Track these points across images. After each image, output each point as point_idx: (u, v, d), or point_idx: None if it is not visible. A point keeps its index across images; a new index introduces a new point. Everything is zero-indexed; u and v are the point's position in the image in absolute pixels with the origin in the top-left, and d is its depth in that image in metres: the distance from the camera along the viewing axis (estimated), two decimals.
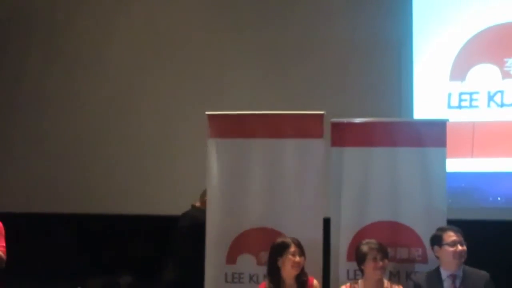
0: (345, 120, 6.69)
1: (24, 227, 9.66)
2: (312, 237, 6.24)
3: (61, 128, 10.26)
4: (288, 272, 5.83)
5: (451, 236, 5.73)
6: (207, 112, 6.86)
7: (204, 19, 9.85)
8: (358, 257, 5.91)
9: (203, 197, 7.27)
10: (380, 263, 5.77)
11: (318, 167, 6.62)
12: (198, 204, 7.59)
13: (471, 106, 8.78)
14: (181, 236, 7.43)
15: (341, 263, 6.56)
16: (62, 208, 9.91)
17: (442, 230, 5.88)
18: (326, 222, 6.63)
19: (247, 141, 6.75)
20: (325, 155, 6.63)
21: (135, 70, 10.02)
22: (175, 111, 9.76)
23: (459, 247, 5.69)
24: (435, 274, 5.83)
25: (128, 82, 10.05)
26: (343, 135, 6.63)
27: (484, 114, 8.76)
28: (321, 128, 6.63)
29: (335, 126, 6.66)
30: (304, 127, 6.67)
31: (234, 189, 6.76)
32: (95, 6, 10.27)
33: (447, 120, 6.70)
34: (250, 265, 6.71)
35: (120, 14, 10.14)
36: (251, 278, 6.71)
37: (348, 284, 5.99)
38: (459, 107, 8.75)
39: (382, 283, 5.87)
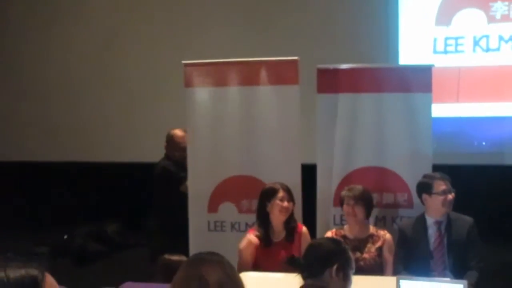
0: (331, 66, 6.67)
1: (10, 176, 9.68)
2: (291, 182, 6.14)
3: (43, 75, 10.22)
4: (277, 217, 5.83)
5: (441, 185, 5.71)
6: (183, 61, 6.85)
7: None
8: (340, 202, 5.95)
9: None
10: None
11: (294, 113, 6.63)
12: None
13: (456, 51, 8.76)
14: (154, 184, 7.39)
15: (328, 208, 6.61)
16: (48, 157, 9.94)
17: (431, 178, 5.83)
18: (313, 168, 6.64)
19: (223, 89, 6.76)
20: (299, 102, 6.62)
21: (116, 19, 9.99)
22: (156, 59, 9.75)
23: (449, 196, 5.70)
24: (421, 221, 5.84)
25: (111, 31, 10.05)
26: (329, 81, 6.61)
27: (469, 59, 8.74)
28: (296, 74, 6.61)
29: (321, 73, 6.63)
30: (279, 74, 6.66)
31: (212, 138, 6.79)
32: None
33: (433, 65, 6.68)
34: (232, 213, 6.78)
35: None
36: (233, 226, 6.79)
37: (334, 230, 6.00)
38: (445, 52, 8.73)
39: (367, 228, 5.89)
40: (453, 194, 5.69)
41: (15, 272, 2.23)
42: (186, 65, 6.82)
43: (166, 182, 7.12)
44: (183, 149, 6.87)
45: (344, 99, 6.58)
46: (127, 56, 9.84)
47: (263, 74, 6.66)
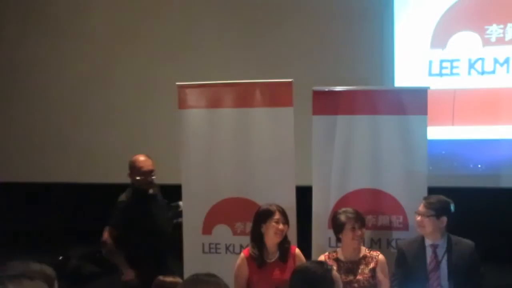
0: (326, 88, 6.67)
1: (4, 197, 9.66)
2: (285, 204, 6.14)
3: (36, 99, 10.22)
4: (271, 239, 5.83)
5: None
6: (177, 83, 6.86)
7: None
8: (335, 226, 5.91)
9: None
10: (358, 232, 5.79)
11: (288, 135, 6.62)
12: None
13: (452, 73, 8.77)
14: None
15: (323, 230, 6.60)
16: (42, 177, 9.91)
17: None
18: (308, 190, 6.63)
19: (217, 111, 6.77)
20: (293, 123, 6.62)
21: (111, 41, 9.98)
22: (150, 81, 9.75)
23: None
24: (419, 242, 5.84)
25: (106, 52, 10.05)
26: (325, 103, 6.61)
27: (465, 81, 8.73)
28: (290, 96, 6.62)
29: (317, 95, 6.63)
30: (274, 96, 6.67)
31: (206, 159, 6.79)
32: None
33: (428, 87, 6.70)
34: (226, 235, 6.78)
35: None
36: (227, 248, 6.79)
37: (327, 254, 5.98)
38: (440, 74, 8.75)
39: (359, 250, 5.87)
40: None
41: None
42: (180, 86, 6.84)
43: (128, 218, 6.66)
44: (145, 173, 6.66)
45: (339, 121, 6.58)
46: (121, 77, 9.82)
47: (258, 96, 6.67)
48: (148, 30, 9.71)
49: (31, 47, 10.26)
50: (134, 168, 6.68)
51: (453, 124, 8.74)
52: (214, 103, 6.76)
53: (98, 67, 9.95)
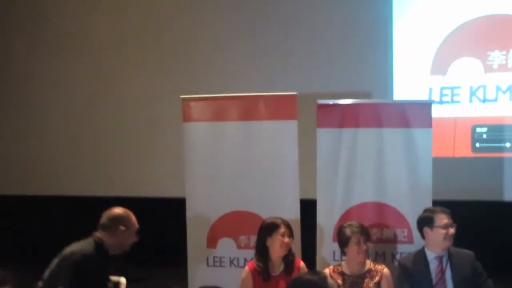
0: (331, 101, 6.69)
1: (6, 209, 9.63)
2: (290, 217, 6.17)
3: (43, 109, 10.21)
4: (276, 252, 5.80)
5: (443, 218, 5.66)
6: (181, 96, 6.89)
7: (185, 3, 9.81)
8: (341, 240, 5.86)
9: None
10: (364, 246, 5.74)
11: (292, 148, 6.63)
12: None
13: (452, 101, 8.71)
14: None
15: (327, 244, 6.58)
16: (43, 191, 9.88)
17: (433, 211, 5.79)
18: (313, 203, 6.62)
19: (221, 124, 6.79)
20: (296, 137, 6.64)
21: (116, 53, 10.02)
22: (154, 94, 9.74)
23: (451, 230, 5.65)
24: (421, 255, 5.77)
25: (109, 65, 10.06)
26: (330, 116, 6.62)
27: (466, 109, 8.69)
28: (294, 110, 6.64)
29: (322, 108, 6.65)
30: (278, 109, 6.69)
31: (210, 172, 6.80)
32: None
33: (433, 101, 6.72)
34: (230, 248, 6.76)
35: (102, 4, 10.12)
36: (231, 261, 6.77)
37: (332, 267, 5.92)
38: (441, 102, 8.68)
39: (364, 263, 5.83)
40: (454, 227, 5.65)
41: None
42: (185, 99, 6.87)
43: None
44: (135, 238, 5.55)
45: (344, 134, 6.59)
46: (126, 90, 9.83)
47: (262, 108, 6.71)
48: (153, 42, 9.74)
49: (35, 61, 10.28)
50: (131, 226, 5.46)
51: (454, 155, 8.68)
52: (218, 116, 6.78)
53: (102, 80, 9.97)
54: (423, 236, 5.78)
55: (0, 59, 10.50)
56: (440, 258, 5.69)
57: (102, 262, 5.35)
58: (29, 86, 10.34)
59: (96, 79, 10.00)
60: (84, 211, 9.28)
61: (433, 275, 5.66)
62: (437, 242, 5.67)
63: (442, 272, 5.66)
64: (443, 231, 5.62)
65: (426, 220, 5.74)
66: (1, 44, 10.47)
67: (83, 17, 10.10)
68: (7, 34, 10.44)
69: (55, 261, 5.28)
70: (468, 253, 5.74)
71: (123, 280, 5.92)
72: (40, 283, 5.27)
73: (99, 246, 5.31)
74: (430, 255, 5.72)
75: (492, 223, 8.25)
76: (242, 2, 9.45)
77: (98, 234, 5.38)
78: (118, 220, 5.41)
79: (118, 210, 5.49)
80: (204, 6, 9.57)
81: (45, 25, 10.23)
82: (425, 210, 5.89)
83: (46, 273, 5.27)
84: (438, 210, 5.75)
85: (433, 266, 5.70)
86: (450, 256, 5.69)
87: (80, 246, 5.26)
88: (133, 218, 5.48)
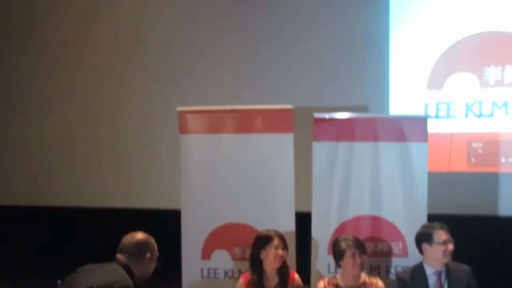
0: (327, 115, 6.70)
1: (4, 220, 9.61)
2: (285, 230, 6.22)
3: (37, 125, 10.24)
4: (270, 264, 5.85)
5: (442, 235, 5.70)
6: (178, 108, 6.92)
7: (180, 14, 9.80)
8: (336, 253, 5.90)
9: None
10: (359, 260, 5.77)
11: (288, 161, 6.66)
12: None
13: (448, 116, 8.70)
14: None
15: (322, 257, 6.59)
16: (40, 201, 9.87)
17: (431, 228, 5.82)
18: (308, 216, 6.63)
19: (217, 137, 6.80)
20: (293, 150, 6.66)
21: (112, 65, 9.99)
22: (150, 105, 9.71)
23: (449, 246, 5.68)
24: (419, 270, 5.80)
25: (105, 76, 10.01)
26: (326, 129, 6.65)
27: (461, 124, 8.69)
28: (290, 123, 6.68)
29: (318, 121, 6.68)
30: (274, 122, 6.71)
31: (206, 185, 6.80)
32: (74, 5, 10.24)
33: (428, 116, 6.75)
34: (225, 260, 6.77)
35: (99, 14, 10.11)
36: (226, 273, 6.78)
37: (327, 279, 5.98)
38: (436, 116, 8.68)
39: (359, 276, 5.84)
40: (452, 243, 5.67)
41: None
42: (181, 112, 6.88)
43: None
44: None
45: (340, 147, 6.62)
46: (122, 101, 9.80)
47: (258, 121, 6.73)
48: (149, 54, 9.70)
49: (32, 71, 10.26)
50: (155, 253, 5.29)
51: (449, 170, 8.68)
52: (214, 128, 6.80)
53: (99, 91, 9.93)
54: (421, 251, 5.82)
55: None
56: (438, 274, 5.73)
57: None
58: (26, 93, 10.31)
59: (93, 89, 9.98)
60: (79, 222, 9.33)
61: None
62: (436, 258, 5.71)
63: (441, 287, 5.67)
64: (442, 247, 5.65)
65: (425, 236, 5.77)
66: None
67: (80, 28, 10.07)
68: (3, 40, 10.44)
69: (81, 286, 4.85)
70: (466, 268, 5.78)
71: None
72: None
73: (131, 274, 5.02)
74: (429, 270, 5.75)
75: (487, 237, 8.25)
76: (240, 16, 9.42)
77: (123, 259, 5.09)
78: (144, 247, 5.17)
79: (141, 236, 5.22)
80: (202, 19, 9.54)
81: (44, 34, 10.20)
82: (424, 226, 5.92)
83: None
84: (437, 227, 5.77)
85: (432, 281, 5.73)
86: (448, 271, 5.73)
87: (124, 280, 4.92)
88: (155, 243, 5.26)
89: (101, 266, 5.06)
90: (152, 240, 5.23)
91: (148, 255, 5.11)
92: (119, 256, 5.10)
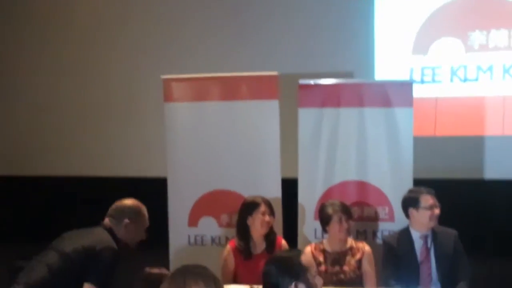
0: (312, 81, 6.69)
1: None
2: (271, 196, 6.18)
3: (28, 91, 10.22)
4: (257, 230, 5.83)
5: (428, 199, 5.68)
6: (162, 76, 6.89)
7: None
8: (322, 218, 5.87)
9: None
10: (345, 225, 5.76)
11: (274, 128, 6.65)
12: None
13: (433, 80, 8.72)
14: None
15: (309, 222, 6.62)
16: (27, 171, 9.87)
17: (418, 192, 5.79)
18: (294, 182, 6.65)
19: (202, 104, 6.80)
20: (278, 116, 6.65)
21: (96, 34, 9.98)
22: (135, 74, 9.71)
23: (436, 211, 5.67)
24: (406, 235, 5.80)
25: (90, 46, 10.01)
26: (311, 96, 6.64)
27: (447, 89, 8.71)
28: (275, 89, 6.65)
29: (303, 88, 6.67)
30: (259, 89, 6.70)
31: (191, 152, 6.82)
32: None
33: (414, 81, 6.74)
34: (212, 227, 6.80)
35: None
36: (213, 240, 6.82)
37: (313, 244, 5.96)
38: (422, 81, 8.70)
39: (346, 241, 5.86)
40: (439, 208, 5.68)
41: None
42: (166, 80, 6.86)
43: None
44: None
45: (325, 113, 6.62)
46: (106, 70, 9.80)
47: (243, 89, 6.72)
48: (133, 22, 9.69)
49: (16, 39, 10.24)
50: (138, 221, 5.26)
51: (435, 134, 8.70)
52: (199, 96, 6.78)
53: (83, 61, 9.93)
54: (407, 216, 5.80)
55: None
56: (425, 238, 5.72)
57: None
58: (14, 67, 10.27)
59: (77, 59, 9.95)
60: (65, 191, 9.32)
61: (418, 254, 5.69)
62: (422, 222, 5.70)
63: (427, 251, 5.70)
64: (428, 212, 5.64)
65: (411, 201, 5.76)
66: None
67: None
68: None
69: (67, 248, 4.96)
70: (452, 231, 5.77)
71: None
72: (43, 266, 4.96)
73: (114, 237, 5.09)
74: (415, 234, 5.74)
75: (472, 201, 8.30)
76: None
77: (107, 222, 5.18)
78: (124, 212, 5.19)
79: (127, 202, 5.26)
80: None
81: (29, 9, 10.15)
82: (410, 191, 5.90)
83: (53, 258, 4.97)
84: (423, 191, 5.76)
85: (418, 245, 5.73)
86: (434, 235, 5.72)
87: (106, 242, 5.00)
88: (142, 212, 5.24)
89: (86, 230, 5.16)
90: (138, 209, 5.25)
91: (127, 220, 5.15)
92: (105, 220, 5.20)
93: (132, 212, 5.20)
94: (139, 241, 5.27)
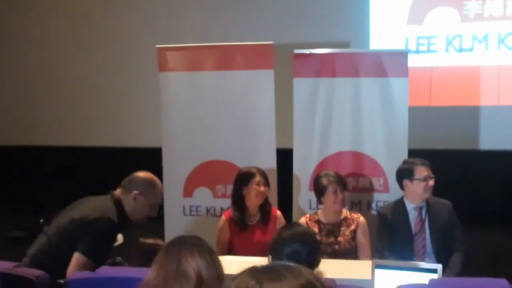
0: (307, 51, 6.65)
1: None
2: (266, 167, 6.13)
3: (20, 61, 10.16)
4: (252, 201, 5.81)
5: (422, 171, 5.64)
6: (157, 46, 6.84)
7: None
8: (317, 189, 5.86)
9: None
10: (340, 196, 5.75)
11: (269, 98, 6.61)
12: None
13: (429, 50, 8.71)
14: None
15: (304, 193, 6.61)
16: (23, 141, 9.86)
17: (412, 164, 5.75)
18: (289, 153, 6.63)
19: (197, 74, 6.75)
20: (273, 86, 6.60)
21: (90, 4, 9.95)
22: (129, 44, 9.67)
23: (430, 182, 5.65)
24: (400, 205, 5.77)
25: (84, 16, 9.99)
26: (306, 66, 6.60)
27: (442, 58, 8.69)
28: (271, 59, 6.60)
29: (298, 57, 6.62)
30: (254, 58, 6.65)
31: (186, 122, 6.79)
32: None
33: (409, 51, 6.71)
34: (207, 198, 6.79)
35: None
36: (208, 210, 6.81)
37: (308, 215, 5.95)
38: (417, 51, 8.68)
39: (341, 212, 5.85)
40: (433, 179, 5.66)
41: None
42: (160, 49, 6.81)
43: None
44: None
45: (321, 83, 6.58)
46: (101, 40, 9.77)
47: (238, 58, 6.67)
48: None
49: (9, 11, 10.16)
50: (148, 196, 5.10)
51: (430, 104, 8.69)
52: (194, 65, 6.73)
53: (77, 30, 9.91)
54: (402, 187, 5.77)
55: None
56: (419, 209, 5.70)
57: (122, 228, 5.09)
58: (3, 36, 10.21)
59: (71, 29, 9.91)
60: (59, 161, 9.30)
61: (413, 225, 5.68)
62: (416, 194, 5.68)
63: (421, 222, 5.68)
64: (423, 183, 5.62)
65: (406, 172, 5.73)
66: None
67: None
68: None
69: (66, 218, 4.90)
70: (446, 202, 5.75)
71: (119, 236, 5.60)
72: (44, 237, 4.95)
73: (120, 210, 4.95)
74: (410, 205, 5.72)
75: (468, 171, 8.31)
76: None
77: (117, 192, 5.05)
78: (135, 183, 5.04)
79: (141, 174, 5.11)
80: None
81: None
82: (405, 162, 5.86)
83: (53, 228, 4.94)
84: (418, 162, 5.72)
85: (413, 216, 5.71)
86: (429, 206, 5.70)
87: (103, 211, 4.86)
88: (155, 186, 5.11)
89: (94, 198, 5.09)
90: (150, 181, 5.12)
91: (136, 192, 5.02)
92: (116, 190, 5.09)
93: (143, 184, 5.05)
94: (148, 217, 5.13)
